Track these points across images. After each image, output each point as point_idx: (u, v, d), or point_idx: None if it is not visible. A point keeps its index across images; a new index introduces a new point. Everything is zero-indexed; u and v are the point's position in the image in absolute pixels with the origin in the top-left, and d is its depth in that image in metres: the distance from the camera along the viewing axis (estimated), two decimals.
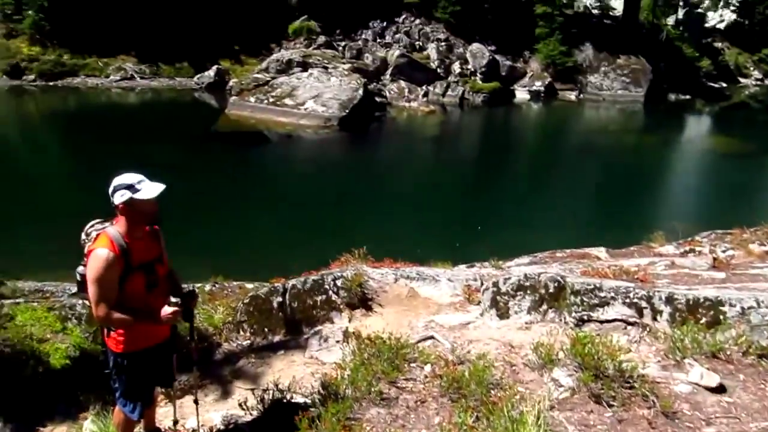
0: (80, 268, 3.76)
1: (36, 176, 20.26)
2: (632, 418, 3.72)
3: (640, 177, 23.22)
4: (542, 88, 37.50)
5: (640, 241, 9.35)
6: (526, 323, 5.29)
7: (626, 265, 6.71)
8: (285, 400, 4.54)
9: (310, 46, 35.50)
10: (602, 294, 5.06)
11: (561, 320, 5.16)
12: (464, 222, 17.27)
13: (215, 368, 5.99)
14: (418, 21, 39.13)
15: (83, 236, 3.82)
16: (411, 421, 3.98)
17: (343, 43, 36.48)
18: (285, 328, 6.36)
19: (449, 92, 35.01)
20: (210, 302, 7.52)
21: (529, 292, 5.39)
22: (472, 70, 36.50)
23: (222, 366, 6.03)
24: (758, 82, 47.74)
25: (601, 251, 8.78)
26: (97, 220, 3.84)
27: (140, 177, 3.63)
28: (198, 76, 34.35)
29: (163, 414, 4.90)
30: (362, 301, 6.27)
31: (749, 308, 4.59)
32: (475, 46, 37.19)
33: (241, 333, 6.56)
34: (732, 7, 51.42)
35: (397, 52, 35.52)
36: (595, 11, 44.13)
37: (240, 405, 4.66)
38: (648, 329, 4.80)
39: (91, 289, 3.54)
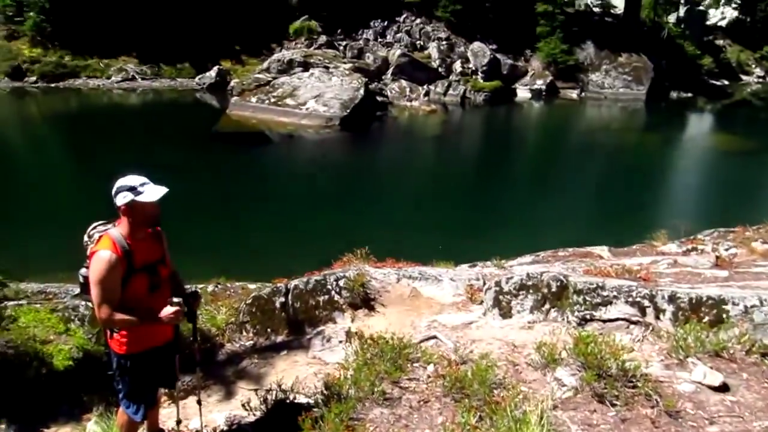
0: (83, 270, 3.76)
1: (38, 178, 20.29)
2: (635, 418, 3.72)
3: (642, 175, 23.18)
4: (544, 87, 37.46)
5: (643, 239, 9.34)
6: (529, 323, 5.29)
7: (629, 263, 6.71)
8: (288, 401, 4.54)
9: (311, 46, 35.52)
10: (605, 293, 5.06)
11: (564, 319, 5.15)
12: (466, 221, 17.26)
13: (218, 369, 6.00)
14: (419, 20, 39.10)
15: (86, 238, 3.83)
16: (414, 421, 3.98)
17: (344, 43, 36.47)
18: (288, 329, 6.37)
19: (450, 91, 34.98)
20: (213, 303, 7.53)
21: (531, 291, 5.39)
22: (474, 69, 36.48)
23: (225, 366, 6.04)
24: (760, 80, 47.65)
25: (603, 250, 8.78)
26: (100, 222, 3.84)
27: (143, 179, 3.63)
28: (199, 76, 34.37)
29: (167, 415, 4.90)
30: (365, 301, 6.27)
31: (752, 307, 4.59)
32: (477, 45, 37.16)
33: (244, 333, 6.57)
34: (733, 5, 51.34)
35: (398, 52, 35.50)
36: (596, 9, 44.07)
37: (243, 405, 4.67)
38: (651, 328, 4.80)
39: (94, 291, 3.54)
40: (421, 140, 29.33)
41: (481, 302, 5.85)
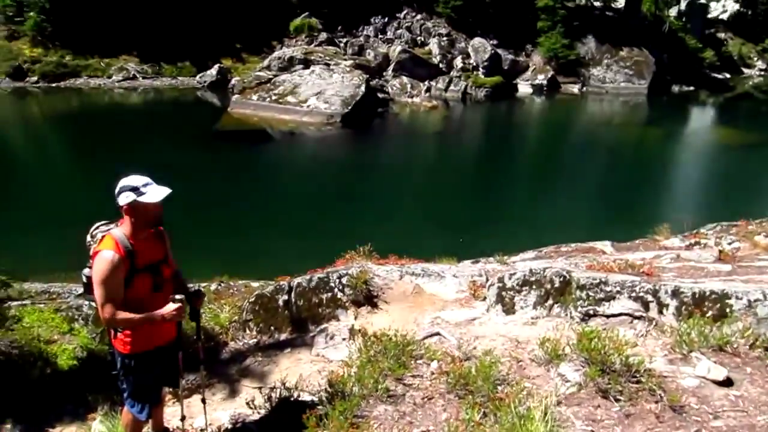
0: (86, 270, 3.77)
1: (41, 178, 20.31)
2: (640, 413, 3.72)
3: (644, 170, 23.15)
4: (545, 82, 37.40)
5: (646, 234, 9.33)
6: (532, 318, 5.29)
7: (632, 258, 6.70)
8: (292, 399, 4.55)
9: (311, 43, 35.50)
10: (608, 288, 5.06)
11: (567, 315, 5.15)
12: (468, 217, 17.26)
13: (222, 367, 6.00)
14: (419, 16, 39.05)
15: (88, 238, 3.83)
16: (418, 417, 3.98)
17: (344, 40, 36.42)
18: (291, 327, 6.37)
19: (452, 87, 34.96)
20: (216, 301, 7.54)
21: (534, 287, 5.39)
22: (475, 64, 36.43)
23: (229, 365, 6.05)
24: (762, 73, 47.53)
25: (606, 245, 8.77)
26: (102, 222, 3.85)
27: (146, 180, 3.62)
28: (200, 75, 34.38)
29: (171, 414, 4.91)
30: (368, 298, 6.27)
31: (756, 301, 4.58)
32: (477, 41, 37.09)
33: (248, 332, 6.57)
34: None
35: (399, 48, 35.46)
36: (597, 3, 43.91)
37: (247, 404, 4.68)
38: (654, 323, 4.79)
39: (97, 291, 3.55)
40: (423, 136, 29.32)
41: (484, 298, 5.85)
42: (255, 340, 6.43)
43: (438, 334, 5.28)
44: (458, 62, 36.23)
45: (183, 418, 4.25)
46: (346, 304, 6.30)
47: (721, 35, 48.58)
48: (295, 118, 27.83)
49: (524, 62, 38.62)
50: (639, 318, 4.87)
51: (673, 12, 46.80)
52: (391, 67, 34.81)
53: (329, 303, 6.35)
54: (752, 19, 50.03)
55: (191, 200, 15.03)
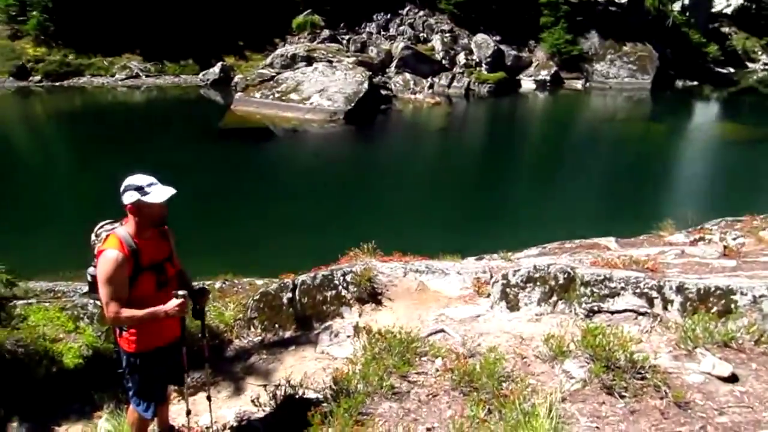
0: (91, 269, 3.78)
1: (45, 176, 20.35)
2: (644, 409, 3.72)
3: (648, 165, 23.09)
4: (548, 78, 37.34)
5: (650, 230, 9.31)
6: (537, 315, 5.29)
7: (636, 254, 6.68)
8: (297, 396, 4.56)
9: (314, 41, 35.47)
10: (612, 284, 5.06)
11: (571, 311, 5.15)
12: (472, 214, 17.24)
13: (227, 365, 6.02)
14: (422, 12, 38.98)
15: (93, 237, 3.85)
16: (423, 414, 3.99)
17: (347, 37, 36.39)
18: (295, 324, 6.38)
19: (455, 83, 34.91)
20: (220, 299, 7.55)
21: (538, 283, 5.39)
22: (477, 60, 36.37)
23: (234, 363, 6.06)
24: (766, 67, 47.33)
25: (610, 241, 8.75)
26: (107, 221, 3.86)
27: (151, 180, 3.63)
28: (203, 72, 34.39)
29: (176, 412, 4.93)
30: (372, 295, 6.28)
31: (761, 296, 4.57)
32: (480, 37, 37.03)
33: (252, 329, 6.58)
34: None
35: (402, 45, 35.41)
36: None
37: (252, 401, 4.69)
38: (659, 319, 4.79)
39: (102, 290, 3.56)
40: (426, 133, 29.28)
41: (489, 295, 5.86)
42: (260, 337, 6.45)
43: (442, 331, 5.29)
44: (461, 58, 36.16)
45: (188, 413, 4.27)
46: (351, 301, 6.32)
47: (725, 29, 48.40)
48: (298, 116, 27.82)
49: (527, 58, 38.54)
50: (644, 314, 4.86)
51: (676, 6, 46.60)
52: (393, 64, 34.77)
53: (333, 300, 6.36)
54: (756, 13, 49.80)
55: (195, 198, 15.06)
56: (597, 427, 3.63)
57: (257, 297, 6.70)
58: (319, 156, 24.85)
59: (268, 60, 32.46)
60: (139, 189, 3.57)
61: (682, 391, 3.78)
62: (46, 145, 25.95)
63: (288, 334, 6.36)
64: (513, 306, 5.48)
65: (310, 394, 4.57)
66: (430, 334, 5.21)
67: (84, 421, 5.52)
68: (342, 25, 37.43)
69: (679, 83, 39.31)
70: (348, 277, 6.36)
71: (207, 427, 4.55)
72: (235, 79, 32.25)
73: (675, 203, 17.72)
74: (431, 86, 34.17)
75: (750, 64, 47.13)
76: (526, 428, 3.45)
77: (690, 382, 3.94)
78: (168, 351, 3.94)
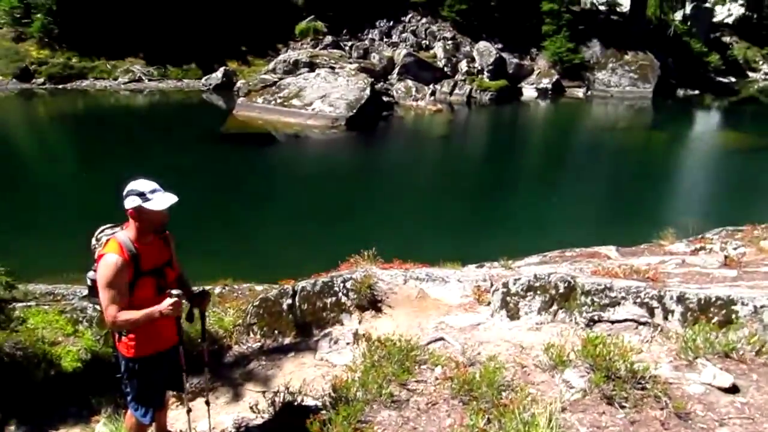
0: (91, 273, 3.78)
1: (46, 179, 20.38)
2: (645, 420, 3.70)
3: (649, 174, 23.08)
4: (550, 86, 37.35)
5: (651, 239, 9.31)
6: (537, 324, 5.28)
7: (637, 264, 6.68)
8: (296, 403, 4.55)
9: (316, 47, 35.53)
10: (613, 294, 5.05)
11: (572, 321, 5.14)
12: (473, 221, 17.23)
13: (226, 371, 6.01)
14: (424, 20, 39.07)
15: (93, 241, 3.85)
16: (422, 423, 3.97)
17: (349, 43, 36.45)
18: (295, 331, 6.38)
19: (456, 91, 34.94)
20: (220, 305, 7.55)
21: (539, 292, 5.38)
22: (479, 68, 36.39)
23: (232, 368, 6.05)
24: (767, 77, 47.36)
25: (611, 250, 8.76)
26: (108, 225, 3.86)
27: (154, 186, 3.62)
28: (206, 77, 34.44)
29: (175, 417, 4.91)
30: (372, 302, 6.27)
31: (762, 307, 4.56)
32: (482, 44, 37.09)
33: (252, 335, 6.58)
34: (740, 1, 51.04)
35: (404, 52, 35.46)
36: (602, 7, 43.91)
37: (251, 408, 4.67)
38: (659, 329, 4.78)
39: (102, 295, 3.55)
40: (428, 140, 29.30)
41: (489, 303, 5.85)
42: (259, 343, 6.44)
43: (442, 339, 5.28)
44: (463, 66, 36.21)
45: (189, 411, 4.23)
46: (351, 308, 6.31)
47: (727, 39, 48.45)
48: (300, 121, 27.84)
49: (529, 66, 38.58)
50: (644, 324, 4.85)
51: (678, 16, 46.74)
52: (396, 71, 34.82)
53: (333, 307, 6.35)
54: (758, 22, 49.86)
55: (195, 202, 15.03)
56: None
57: (257, 303, 6.69)
58: (320, 162, 24.86)
59: (271, 65, 32.53)
60: (141, 195, 3.57)
61: (683, 402, 3.76)
62: (48, 148, 25.97)
63: (287, 340, 6.35)
64: (513, 315, 5.47)
65: (309, 402, 4.56)
66: (430, 342, 5.20)
67: (81, 425, 5.51)
68: (345, 31, 37.51)
69: (681, 92, 39.34)
70: (348, 284, 6.35)
71: None
72: (238, 84, 32.28)
73: (676, 212, 17.73)
74: (433, 93, 34.20)
75: (751, 74, 47.15)
76: None
77: (690, 393, 3.93)
78: (166, 356, 3.93)
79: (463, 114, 33.98)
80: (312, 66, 31.48)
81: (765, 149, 25.71)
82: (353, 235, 13.90)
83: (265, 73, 31.76)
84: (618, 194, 20.93)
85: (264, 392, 5.16)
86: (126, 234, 3.65)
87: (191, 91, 33.92)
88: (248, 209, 17.33)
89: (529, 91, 37.42)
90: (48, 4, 33.81)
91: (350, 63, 33.16)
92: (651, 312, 4.90)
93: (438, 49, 36.90)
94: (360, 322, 6.14)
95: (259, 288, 8.78)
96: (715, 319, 4.64)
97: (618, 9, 44.05)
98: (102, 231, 3.83)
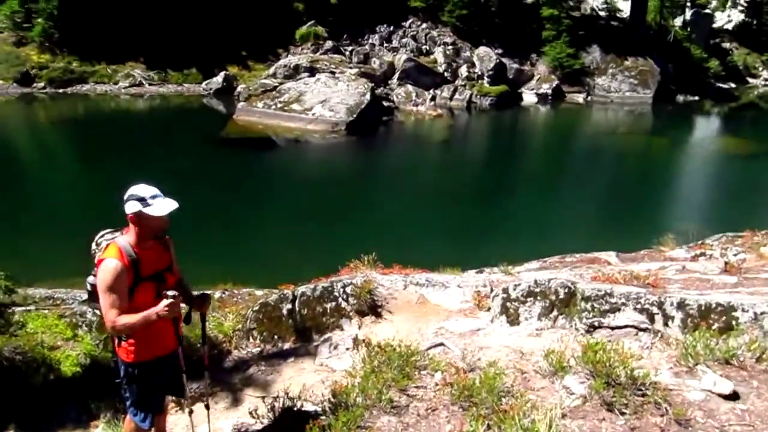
0: (90, 278, 3.77)
1: (46, 183, 20.39)
2: (645, 426, 3.70)
3: (649, 179, 23.11)
4: (550, 91, 37.44)
5: (651, 244, 9.30)
6: (537, 330, 5.27)
7: (637, 269, 6.67)
8: (295, 408, 4.54)
9: (317, 52, 35.62)
10: (613, 300, 5.03)
11: (572, 327, 5.13)
12: (473, 227, 17.23)
13: (226, 375, 6.00)
14: (424, 25, 39.18)
15: (93, 246, 3.83)
16: (422, 429, 3.96)
17: (350, 48, 36.55)
18: (295, 336, 6.36)
19: (456, 96, 35.02)
20: (220, 309, 7.54)
21: (539, 298, 5.37)
22: (480, 73, 36.48)
23: (232, 373, 6.04)
24: (767, 83, 47.45)
25: (611, 255, 8.74)
26: (108, 230, 3.85)
27: (154, 191, 3.61)
28: (206, 82, 34.52)
29: (173, 422, 4.90)
30: (372, 308, 6.26)
31: (762, 313, 4.55)
32: (482, 50, 37.17)
33: (251, 340, 6.56)
34: (740, 7, 51.15)
35: (404, 57, 35.55)
36: (602, 13, 43.98)
37: (250, 413, 4.67)
38: (660, 335, 4.77)
39: (102, 299, 3.55)
40: (428, 145, 29.34)
41: (489, 309, 5.83)
42: (258, 348, 6.43)
43: (442, 344, 5.27)
44: (463, 71, 36.30)
45: (191, 412, 4.21)
46: (350, 313, 6.29)
47: (726, 45, 48.55)
48: (300, 126, 27.88)
49: (529, 71, 38.67)
50: (644, 330, 4.84)
51: (678, 22, 46.84)
52: (396, 76, 34.90)
53: (333, 312, 6.34)
54: (757, 29, 49.96)
55: (195, 207, 15.03)
56: None
57: (257, 308, 6.68)
58: (320, 167, 24.90)
59: (271, 70, 32.61)
60: (142, 200, 3.56)
61: (683, 409, 3.75)
62: (48, 152, 26.02)
63: (287, 345, 6.34)
64: (513, 320, 5.46)
65: (309, 407, 4.55)
66: (430, 348, 5.19)
67: (80, 429, 5.51)
68: (345, 36, 37.61)
69: (680, 98, 39.43)
70: (348, 289, 6.34)
71: None
72: (238, 89, 32.35)
73: (676, 218, 17.71)
74: (433, 98, 34.28)
75: (751, 80, 47.25)
76: None
77: (691, 400, 3.92)
78: (166, 362, 3.92)
79: (463, 119, 34.03)
80: (312, 71, 31.55)
81: (765, 155, 25.75)
82: (353, 239, 13.88)
83: (265, 78, 31.84)
84: (618, 200, 20.94)
85: (263, 397, 5.16)
86: (126, 239, 3.65)
87: (192, 96, 33.98)
88: (248, 214, 17.34)
89: (529, 97, 37.50)
90: (49, 8, 33.91)
91: (350, 68, 33.24)
92: (651, 318, 4.89)
93: (438, 54, 37.00)
94: (360, 328, 6.13)
95: (259, 293, 8.77)
96: (716, 325, 4.63)
97: (618, 15, 44.11)
98: (102, 236, 3.82)
